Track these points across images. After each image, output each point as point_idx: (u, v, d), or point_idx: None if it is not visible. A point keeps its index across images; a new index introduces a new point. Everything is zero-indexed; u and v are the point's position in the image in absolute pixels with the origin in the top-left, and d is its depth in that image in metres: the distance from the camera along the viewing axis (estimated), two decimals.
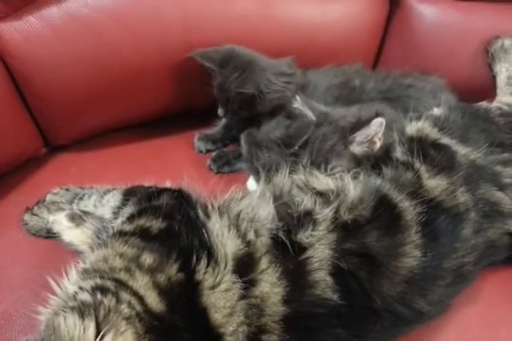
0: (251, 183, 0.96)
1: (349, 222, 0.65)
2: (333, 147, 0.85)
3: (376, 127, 0.82)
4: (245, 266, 0.60)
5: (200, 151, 1.08)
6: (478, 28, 1.11)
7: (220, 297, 0.58)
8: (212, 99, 1.02)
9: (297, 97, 0.90)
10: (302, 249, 0.62)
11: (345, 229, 0.65)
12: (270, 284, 0.59)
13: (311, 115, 0.89)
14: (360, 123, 0.85)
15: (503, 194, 0.77)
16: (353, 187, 0.72)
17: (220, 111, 1.03)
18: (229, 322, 0.57)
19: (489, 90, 1.09)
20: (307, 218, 0.66)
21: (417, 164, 0.75)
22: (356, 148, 0.85)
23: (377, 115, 0.83)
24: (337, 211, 0.67)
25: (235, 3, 1.01)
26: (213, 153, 1.04)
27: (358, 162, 0.85)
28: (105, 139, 1.07)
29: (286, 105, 1.01)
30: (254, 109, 0.99)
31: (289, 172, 0.79)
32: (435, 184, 0.72)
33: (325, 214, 0.66)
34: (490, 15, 1.11)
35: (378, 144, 0.85)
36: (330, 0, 1.11)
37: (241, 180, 0.96)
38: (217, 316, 0.57)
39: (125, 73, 0.95)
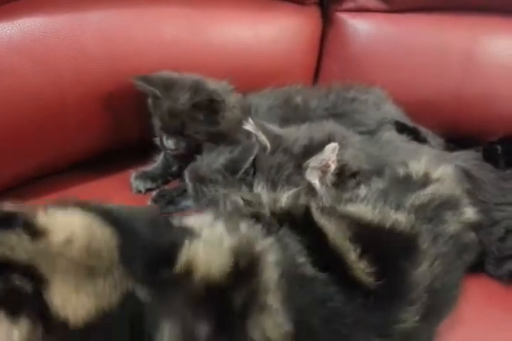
0: None
1: None
2: (289, 177, 0.79)
3: (330, 152, 0.76)
4: None
5: (139, 191, 0.97)
6: (413, 39, 1.10)
7: None
8: (148, 132, 0.93)
9: (249, 119, 0.83)
10: None
11: None
12: None
13: (264, 140, 0.82)
14: (312, 148, 0.79)
15: None
16: None
17: (170, 143, 0.91)
18: None
19: (427, 103, 1.08)
20: None
21: None
22: (311, 175, 0.79)
23: (329, 139, 0.78)
24: None
25: (164, 29, 0.93)
26: (154, 193, 0.93)
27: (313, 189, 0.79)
28: (27, 188, 0.93)
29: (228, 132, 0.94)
30: (215, 125, 0.91)
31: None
32: None
33: None
34: (424, 26, 1.10)
35: (333, 167, 0.80)
36: (262, 22, 1.06)
37: None
38: None
39: (43, 112, 0.83)
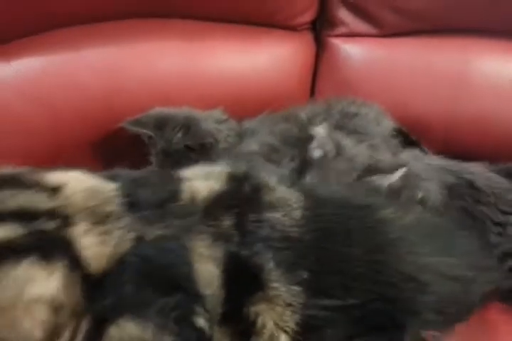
0: None
1: None
2: None
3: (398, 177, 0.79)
4: None
5: None
6: (405, 62, 1.11)
7: None
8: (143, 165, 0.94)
9: (324, 124, 0.87)
10: None
11: None
12: None
13: (331, 145, 0.85)
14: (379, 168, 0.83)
15: None
16: None
17: None
18: None
19: (420, 125, 1.09)
20: None
21: None
22: None
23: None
24: None
25: (159, 61, 0.96)
26: None
27: None
28: None
29: None
30: (209, 161, 0.90)
31: None
32: None
33: None
34: (415, 49, 1.11)
35: None
36: (256, 50, 1.08)
37: None
38: None
39: (40, 151, 0.85)
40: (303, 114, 1.00)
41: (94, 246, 0.48)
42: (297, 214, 0.58)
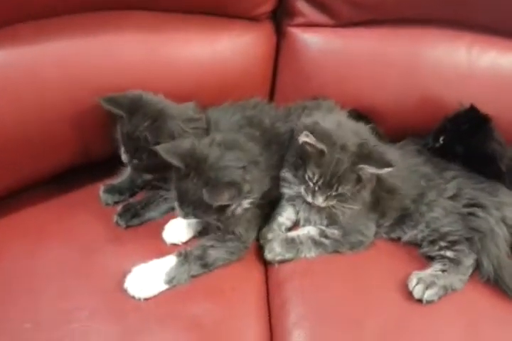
0: (169, 234, 0.95)
1: None
2: (344, 173, 0.91)
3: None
4: None
5: (108, 204, 1.04)
6: (359, 52, 1.17)
7: None
8: (113, 147, 1.00)
9: (306, 133, 0.90)
10: None
11: None
12: None
13: (322, 146, 0.91)
14: (371, 157, 0.92)
15: None
16: None
17: (125, 158, 1.00)
18: None
19: (372, 111, 1.17)
20: None
21: None
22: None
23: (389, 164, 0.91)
24: None
25: (119, 53, 0.99)
26: (118, 208, 1.00)
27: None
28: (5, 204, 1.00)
29: None
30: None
31: None
32: None
33: None
34: (369, 39, 1.17)
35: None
36: (218, 39, 1.11)
37: (155, 233, 0.95)
38: None
39: (7, 140, 0.90)
40: (267, 120, 1.07)
41: None
42: None
